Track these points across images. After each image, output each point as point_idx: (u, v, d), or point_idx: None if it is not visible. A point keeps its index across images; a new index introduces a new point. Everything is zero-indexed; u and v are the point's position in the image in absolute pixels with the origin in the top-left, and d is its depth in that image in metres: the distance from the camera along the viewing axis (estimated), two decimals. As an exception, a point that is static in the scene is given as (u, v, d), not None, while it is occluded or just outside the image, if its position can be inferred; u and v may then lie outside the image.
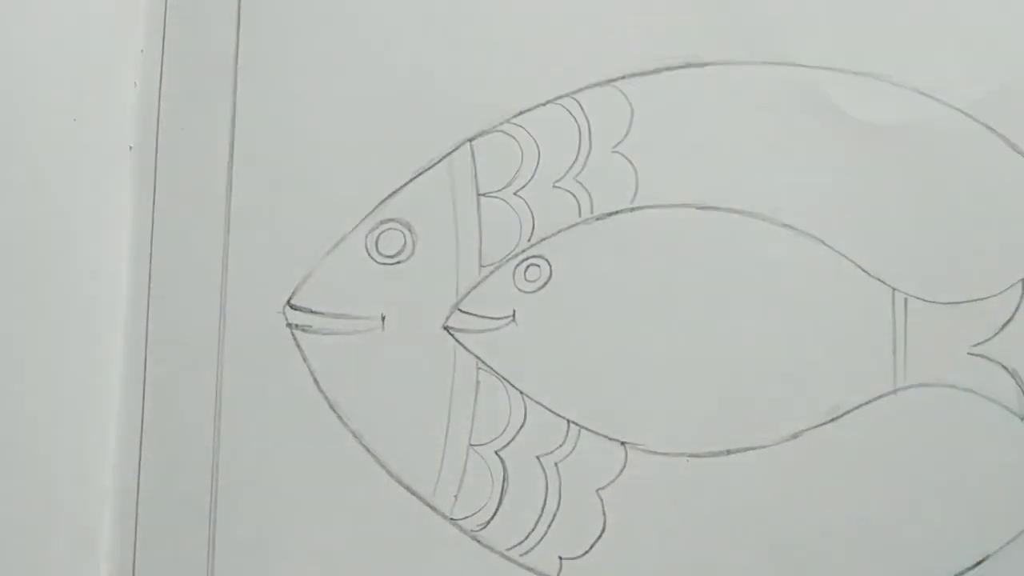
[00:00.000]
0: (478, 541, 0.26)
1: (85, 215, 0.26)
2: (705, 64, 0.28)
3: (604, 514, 0.26)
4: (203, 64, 0.27)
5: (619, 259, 0.27)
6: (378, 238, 0.27)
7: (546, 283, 0.27)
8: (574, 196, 0.27)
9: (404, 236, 0.27)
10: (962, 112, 0.27)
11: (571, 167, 0.27)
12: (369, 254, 0.27)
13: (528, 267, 0.27)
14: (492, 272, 0.27)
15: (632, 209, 0.27)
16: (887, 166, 0.27)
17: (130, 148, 0.27)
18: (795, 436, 0.26)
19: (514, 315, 0.27)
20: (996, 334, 0.26)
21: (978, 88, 0.27)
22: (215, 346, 0.26)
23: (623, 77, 0.28)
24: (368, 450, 0.26)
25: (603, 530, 0.26)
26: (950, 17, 0.28)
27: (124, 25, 0.27)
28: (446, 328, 0.27)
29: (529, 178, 0.27)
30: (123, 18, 0.27)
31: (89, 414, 0.26)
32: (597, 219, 0.27)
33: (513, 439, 0.26)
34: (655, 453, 0.26)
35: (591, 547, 0.26)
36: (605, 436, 0.26)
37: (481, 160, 0.27)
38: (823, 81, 0.28)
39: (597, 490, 0.26)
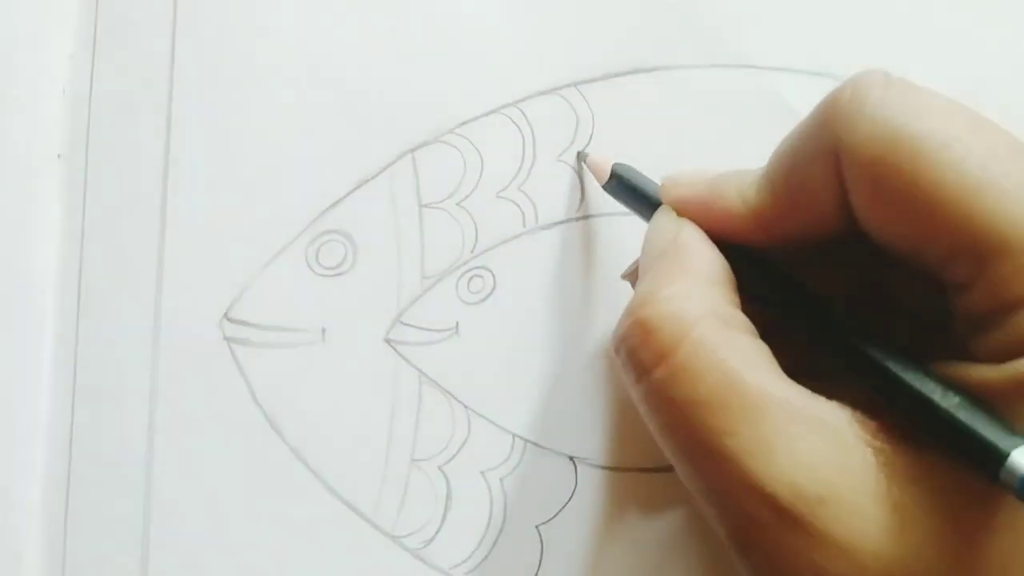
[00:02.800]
0: (421, 559, 0.25)
1: (10, 226, 0.25)
2: (653, 69, 0.27)
3: (552, 530, 0.26)
4: (136, 70, 0.26)
5: (564, 269, 0.27)
6: (318, 249, 0.26)
7: (490, 294, 0.26)
8: (518, 206, 0.27)
9: (345, 247, 0.26)
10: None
11: (515, 177, 0.27)
12: (309, 266, 0.26)
13: (471, 278, 0.26)
14: (435, 284, 0.26)
15: (578, 219, 0.27)
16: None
17: (58, 156, 0.26)
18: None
19: (457, 327, 0.26)
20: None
21: (943, 90, 0.27)
22: (149, 361, 0.25)
23: (568, 85, 0.27)
24: (307, 466, 0.26)
25: (551, 547, 0.26)
26: (913, 16, 0.28)
27: (52, 28, 0.26)
28: (388, 341, 0.26)
29: (472, 188, 0.27)
30: (51, 21, 0.26)
31: (16, 429, 0.25)
32: (542, 229, 0.27)
33: (456, 454, 0.26)
34: (604, 468, 0.26)
35: (539, 564, 0.26)
36: (552, 450, 0.26)
37: (423, 170, 0.27)
38: (779, 83, 0.28)
39: (543, 506, 0.26)
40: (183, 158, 0.26)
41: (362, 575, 0.25)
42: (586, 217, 0.27)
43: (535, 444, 0.26)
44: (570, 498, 0.26)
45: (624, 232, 0.27)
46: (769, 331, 0.21)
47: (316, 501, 0.25)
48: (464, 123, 0.27)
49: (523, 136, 0.27)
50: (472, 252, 0.26)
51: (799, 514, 0.18)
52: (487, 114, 0.27)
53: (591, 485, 0.26)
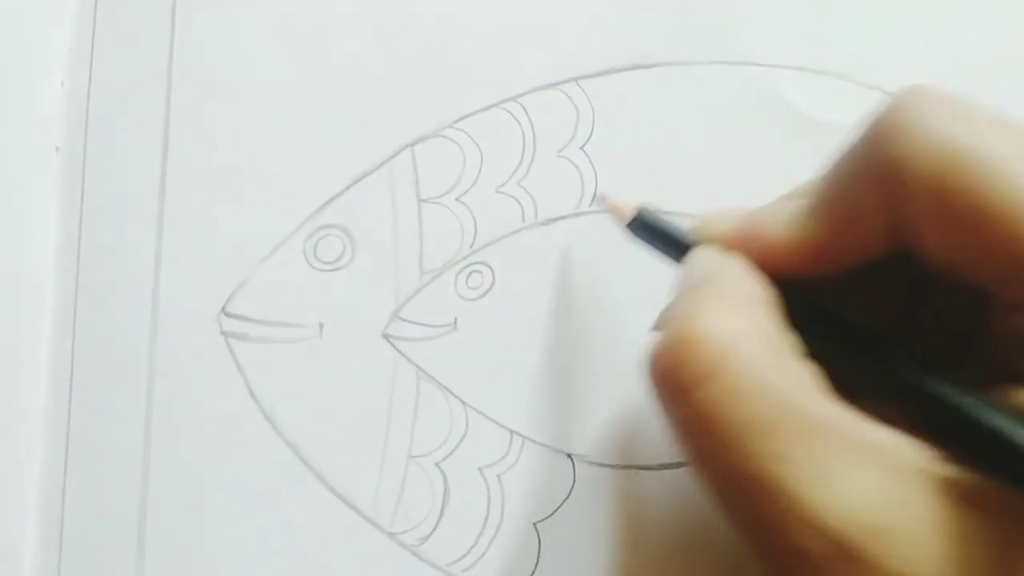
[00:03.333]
0: (417, 556, 0.25)
1: (9, 219, 0.25)
2: (655, 65, 0.27)
3: (550, 527, 0.26)
4: (135, 64, 0.26)
5: (564, 265, 0.26)
6: (316, 244, 0.26)
7: (488, 290, 0.26)
8: (518, 201, 0.27)
9: (343, 242, 0.26)
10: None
11: (515, 172, 0.27)
12: (307, 260, 0.26)
13: (470, 274, 0.26)
14: (433, 279, 0.26)
15: (577, 214, 0.27)
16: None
17: (57, 149, 0.26)
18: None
19: (455, 323, 0.26)
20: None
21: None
22: (146, 355, 0.25)
23: (569, 80, 0.27)
24: (304, 461, 0.25)
25: (548, 544, 0.26)
26: (911, 16, 0.28)
27: (51, 22, 0.26)
28: (386, 336, 0.26)
29: (472, 183, 0.27)
30: (50, 15, 0.26)
31: (12, 424, 0.25)
32: (541, 224, 0.27)
33: (454, 450, 0.26)
34: (603, 465, 0.26)
35: (536, 562, 0.26)
36: (550, 447, 0.26)
37: (423, 165, 0.26)
38: (780, 80, 0.28)
39: (541, 503, 0.26)
40: (181, 152, 0.26)
41: (359, 571, 0.25)
42: (585, 213, 0.27)
43: (533, 441, 0.26)
44: (568, 495, 0.26)
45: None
46: (812, 357, 0.20)
47: (313, 497, 0.25)
48: (464, 117, 0.27)
49: (523, 131, 0.27)
50: (471, 247, 0.26)
51: (857, 547, 0.17)
52: (487, 108, 0.27)
53: (589, 482, 0.26)
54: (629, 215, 0.24)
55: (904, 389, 0.20)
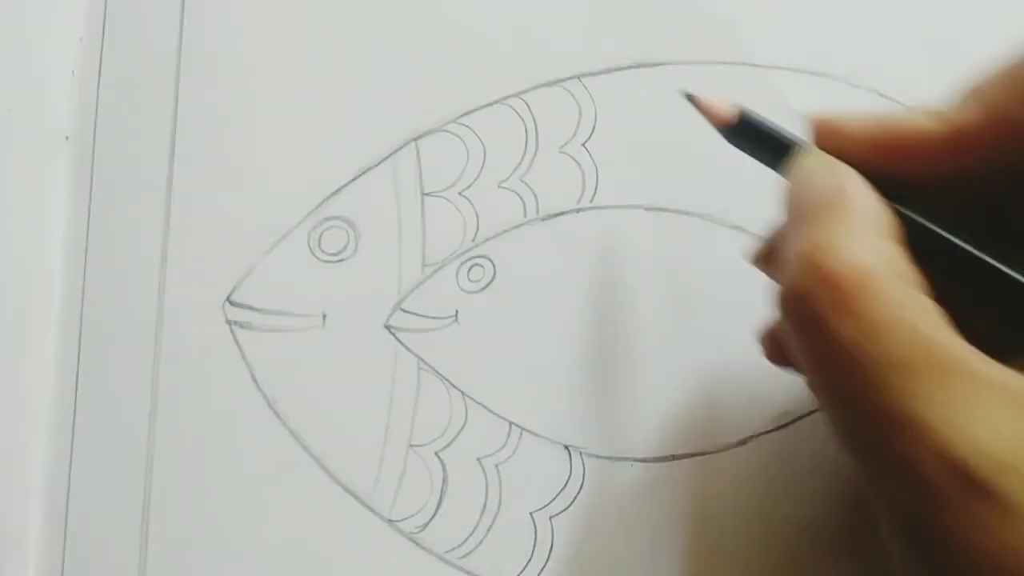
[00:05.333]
0: (416, 543, 0.26)
1: (19, 207, 0.25)
2: (656, 64, 0.28)
3: (547, 517, 0.26)
4: (145, 54, 0.27)
5: (564, 260, 0.27)
6: (321, 235, 0.26)
7: (489, 283, 0.27)
8: (519, 196, 0.27)
9: (347, 234, 0.26)
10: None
11: (517, 167, 0.27)
12: (311, 251, 0.26)
13: (472, 267, 0.27)
14: (435, 272, 0.27)
15: (578, 210, 0.27)
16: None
17: (67, 138, 0.26)
18: (743, 442, 0.26)
19: (457, 315, 0.26)
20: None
21: (939, 90, 0.27)
22: (151, 342, 0.26)
23: (572, 77, 0.27)
24: (306, 449, 0.26)
25: (545, 534, 0.26)
26: (911, 18, 0.28)
27: (63, 12, 0.26)
28: (388, 327, 0.26)
29: (474, 178, 0.27)
30: (61, 4, 0.26)
31: (19, 409, 0.25)
32: (542, 220, 0.27)
33: (453, 440, 0.26)
34: (599, 457, 0.26)
35: (533, 551, 0.26)
36: (548, 439, 0.26)
37: (426, 159, 0.27)
38: (779, 81, 0.28)
39: (539, 493, 0.26)
40: (189, 142, 0.26)
41: (358, 558, 0.26)
42: (586, 209, 0.27)
43: (531, 432, 0.26)
44: (565, 486, 0.26)
45: (623, 225, 0.27)
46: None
47: (314, 484, 0.26)
48: (468, 113, 0.27)
49: (526, 127, 0.27)
50: (473, 241, 0.27)
51: (991, 485, 0.17)
52: (491, 104, 0.27)
53: (586, 474, 0.26)
54: (728, 116, 0.22)
55: None
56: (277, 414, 0.26)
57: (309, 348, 0.26)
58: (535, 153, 0.27)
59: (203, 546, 0.25)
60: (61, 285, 0.26)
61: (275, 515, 0.26)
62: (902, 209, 0.20)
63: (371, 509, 0.26)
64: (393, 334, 0.26)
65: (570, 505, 0.26)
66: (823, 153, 0.21)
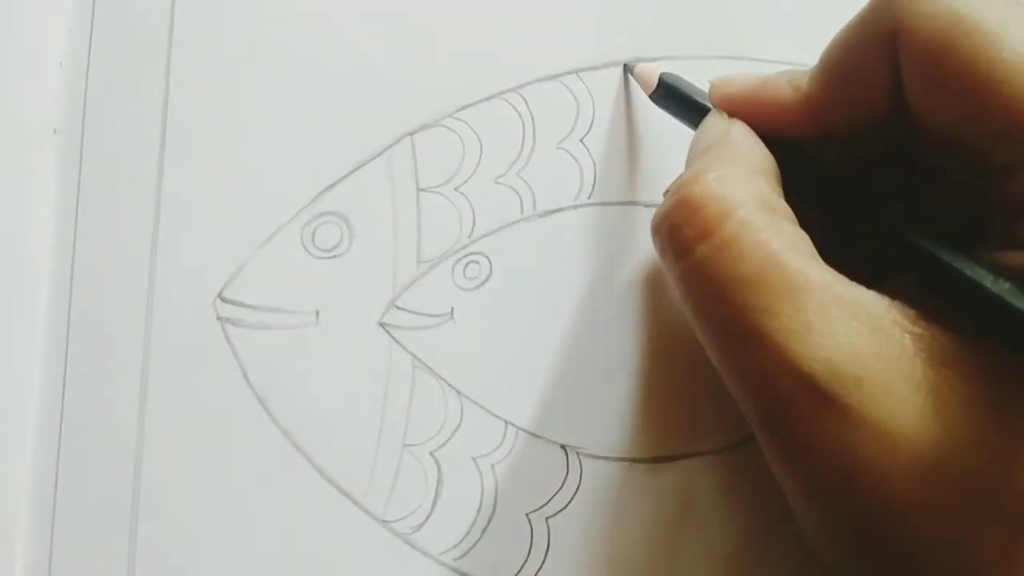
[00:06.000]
0: (410, 544, 0.25)
1: (5, 200, 0.25)
2: (655, 59, 0.27)
3: (543, 518, 0.26)
4: (135, 45, 0.26)
5: (561, 257, 0.26)
6: (314, 231, 0.26)
7: (486, 281, 0.26)
8: (516, 192, 0.27)
9: (341, 230, 0.26)
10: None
11: (514, 163, 0.27)
12: (305, 247, 0.26)
13: (468, 264, 0.26)
14: (430, 268, 0.26)
15: (576, 207, 0.27)
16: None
17: (54, 131, 0.26)
18: (741, 443, 0.26)
19: (452, 313, 0.26)
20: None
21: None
22: (141, 338, 0.25)
23: (569, 72, 0.27)
24: (298, 448, 0.25)
25: (541, 535, 0.26)
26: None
27: (50, 2, 0.26)
28: (382, 325, 0.26)
29: (471, 174, 0.26)
30: (50, -5, 0.26)
31: (6, 405, 0.25)
32: (540, 216, 0.27)
33: (449, 440, 0.26)
34: (596, 457, 0.26)
35: (529, 552, 0.26)
36: (544, 439, 0.26)
37: (422, 154, 0.26)
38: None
39: (534, 494, 0.26)
40: (180, 135, 0.26)
41: (351, 559, 0.25)
42: (584, 205, 0.27)
43: (527, 432, 0.26)
44: (561, 486, 0.26)
45: (622, 221, 0.27)
46: (809, 227, 0.21)
47: (307, 484, 0.25)
48: (464, 107, 0.27)
49: (523, 122, 0.27)
50: (469, 237, 0.26)
51: (834, 394, 0.18)
52: (487, 99, 0.27)
53: (582, 474, 0.26)
54: (654, 82, 0.25)
55: (895, 247, 0.21)
56: (269, 412, 0.25)
57: (302, 345, 0.26)
58: (532, 149, 0.27)
59: (193, 546, 0.25)
60: (49, 280, 0.25)
61: (266, 515, 0.25)
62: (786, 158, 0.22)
63: (365, 509, 0.25)
64: (388, 331, 0.26)
65: (567, 506, 0.26)
66: (721, 112, 0.23)
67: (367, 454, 0.26)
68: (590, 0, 0.27)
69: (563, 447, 0.26)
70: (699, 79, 0.27)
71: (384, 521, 0.25)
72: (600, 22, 0.27)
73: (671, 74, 0.25)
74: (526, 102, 0.27)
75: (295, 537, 0.25)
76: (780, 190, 0.22)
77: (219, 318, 0.26)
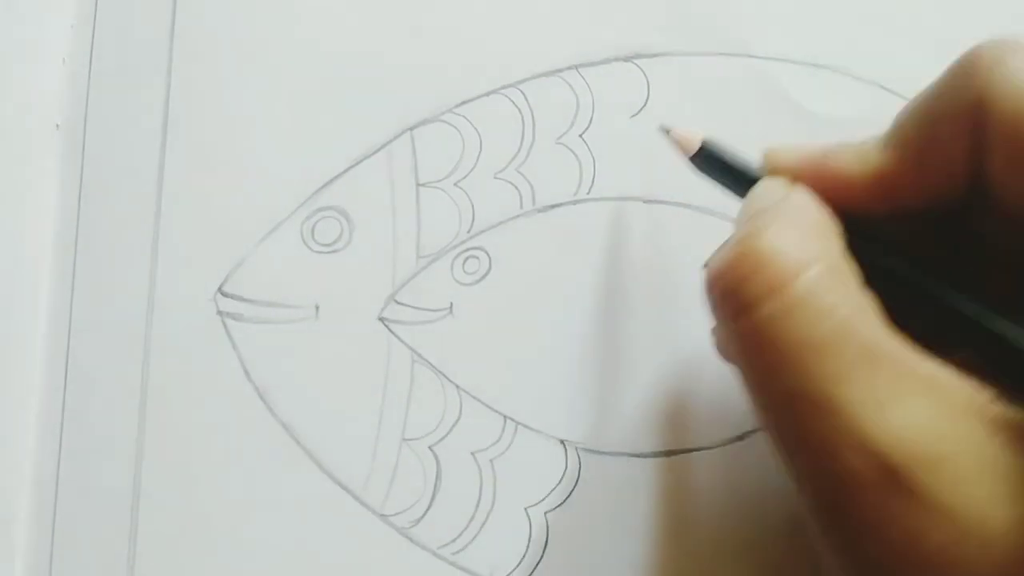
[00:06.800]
0: (408, 538, 0.25)
1: (8, 196, 0.25)
2: (655, 55, 0.27)
3: (542, 513, 0.26)
4: (137, 41, 0.26)
5: (561, 252, 0.26)
6: (314, 226, 0.26)
7: (485, 275, 0.26)
8: (516, 187, 0.27)
9: (341, 224, 0.26)
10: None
11: (513, 158, 0.27)
12: (304, 242, 0.26)
13: (467, 259, 0.26)
14: (430, 263, 0.26)
15: (575, 202, 0.27)
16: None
17: (57, 126, 0.26)
18: (740, 437, 0.26)
19: (451, 307, 0.26)
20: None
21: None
22: (142, 333, 0.25)
23: (569, 67, 0.27)
24: (298, 442, 0.26)
25: (539, 529, 0.26)
26: (913, 10, 0.28)
27: (53, -1, 0.26)
28: (381, 319, 0.26)
29: (470, 169, 0.27)
30: (52, -8, 0.26)
31: (8, 400, 0.25)
32: (539, 211, 0.27)
33: (448, 434, 0.26)
34: (595, 452, 0.26)
35: (527, 546, 0.26)
36: (543, 433, 0.26)
37: (421, 149, 0.26)
38: (779, 73, 0.28)
39: (533, 488, 0.26)
40: (181, 131, 0.26)
41: (350, 552, 0.25)
42: (583, 200, 0.27)
43: (526, 427, 0.26)
44: (560, 481, 0.26)
45: (621, 217, 0.27)
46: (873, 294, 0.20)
47: (306, 477, 0.25)
48: (464, 103, 0.27)
49: (523, 117, 0.27)
50: (468, 233, 0.26)
51: (907, 475, 0.17)
52: (487, 94, 0.27)
53: (581, 469, 0.26)
54: (694, 147, 0.24)
55: (963, 324, 0.20)
56: (269, 406, 0.26)
57: (301, 340, 0.26)
58: (532, 144, 0.27)
59: (193, 539, 0.25)
60: (51, 275, 0.26)
61: (266, 508, 0.25)
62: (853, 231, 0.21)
63: (363, 503, 0.25)
64: (387, 326, 0.26)
65: (565, 500, 0.26)
66: (777, 178, 0.22)
67: (366, 448, 0.26)
68: (589, -5, 0.27)
69: (562, 442, 0.26)
70: (698, 76, 0.27)
71: (383, 515, 0.26)
72: (599, 17, 0.27)
73: (713, 140, 0.24)
74: (525, 97, 0.27)
75: (294, 530, 0.25)
76: (845, 252, 0.20)
77: (219, 312, 0.26)
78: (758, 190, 0.22)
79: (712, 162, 0.24)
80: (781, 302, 0.18)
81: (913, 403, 0.18)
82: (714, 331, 0.24)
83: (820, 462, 0.18)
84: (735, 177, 0.23)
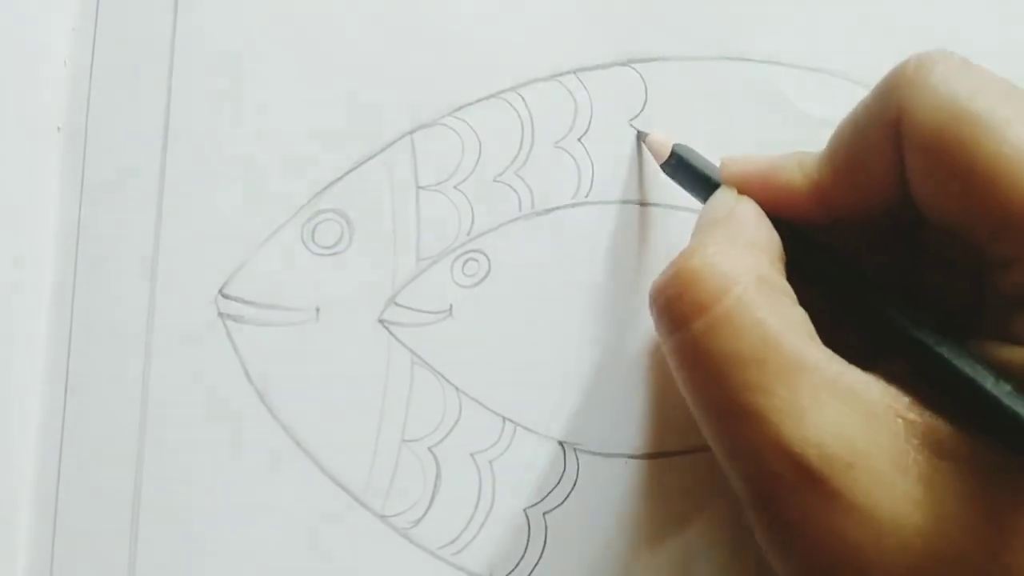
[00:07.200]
0: (408, 539, 0.26)
1: (9, 198, 0.25)
2: (653, 59, 0.27)
3: (541, 514, 0.26)
4: (138, 44, 0.26)
5: (559, 255, 0.27)
6: (314, 228, 0.26)
7: (484, 278, 0.27)
8: (515, 191, 0.27)
9: (341, 227, 0.26)
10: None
11: (512, 162, 0.27)
12: (305, 244, 0.26)
13: (466, 261, 0.27)
14: (430, 266, 0.26)
15: (574, 205, 0.27)
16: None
17: (58, 129, 0.26)
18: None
19: (451, 309, 0.26)
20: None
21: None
22: (143, 334, 0.26)
23: (568, 72, 0.27)
24: (298, 444, 0.26)
25: (538, 530, 0.26)
26: (909, 13, 0.28)
27: (54, 1, 0.26)
28: (381, 321, 0.26)
29: (470, 172, 0.27)
30: (54, -6, 0.26)
31: (9, 402, 0.25)
32: (537, 214, 0.27)
33: (447, 436, 0.26)
34: (594, 453, 0.26)
35: (527, 547, 0.26)
36: (542, 435, 0.26)
37: (421, 153, 0.27)
38: (776, 76, 0.28)
39: (532, 489, 0.26)
40: (182, 133, 0.26)
41: (349, 553, 0.25)
42: (582, 204, 0.27)
43: (526, 428, 0.26)
44: (559, 482, 0.26)
45: (620, 220, 0.27)
46: (808, 306, 0.21)
47: (306, 479, 0.25)
48: (463, 107, 0.27)
49: (522, 121, 0.27)
50: (468, 235, 0.27)
51: (825, 477, 0.18)
52: (486, 98, 0.27)
53: (580, 470, 0.26)
54: (666, 152, 0.25)
55: (893, 333, 0.21)
56: (269, 408, 0.26)
57: (302, 342, 0.26)
58: (531, 147, 0.27)
59: (193, 540, 0.25)
60: (51, 277, 0.26)
61: (266, 509, 0.25)
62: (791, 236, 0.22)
63: (363, 504, 0.26)
64: (387, 328, 0.26)
65: (564, 501, 0.26)
66: (730, 188, 0.23)
67: (366, 450, 0.26)
68: (588, 1, 0.28)
69: (561, 443, 0.26)
70: (696, 80, 0.27)
71: (382, 516, 0.26)
72: (598, 22, 0.27)
73: (684, 146, 0.25)
74: (525, 101, 0.27)
75: (294, 531, 0.25)
76: (782, 268, 0.22)
77: (220, 314, 0.26)
78: (712, 201, 0.23)
79: (681, 168, 0.25)
80: (709, 318, 0.20)
81: (831, 410, 0.19)
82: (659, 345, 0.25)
83: (748, 467, 0.20)
84: (701, 184, 0.24)
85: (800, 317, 0.20)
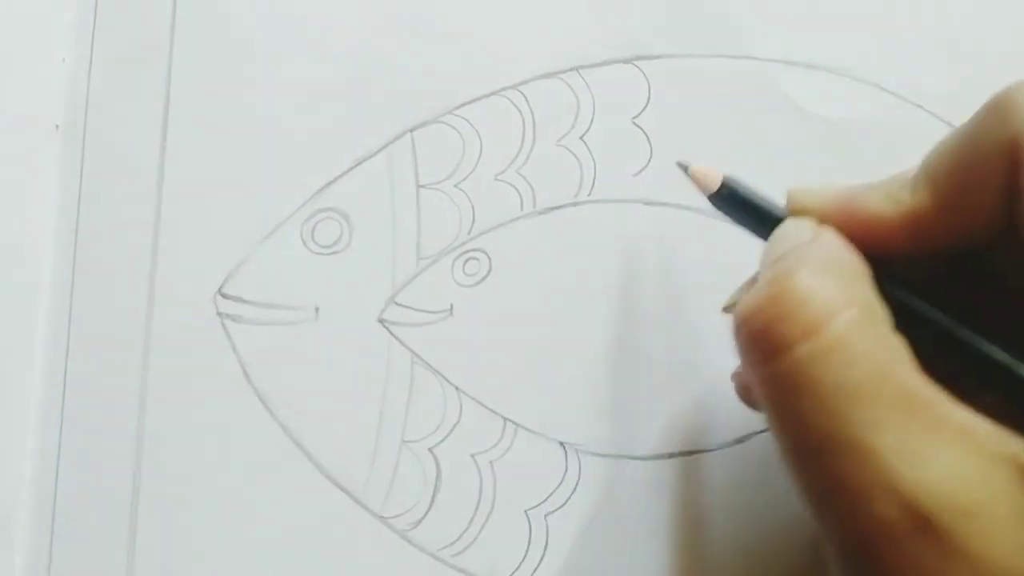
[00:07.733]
0: (408, 540, 0.25)
1: (7, 196, 0.25)
2: (656, 57, 0.27)
3: (542, 515, 0.26)
4: (137, 41, 0.26)
5: (561, 254, 0.26)
6: (314, 227, 0.26)
7: (485, 277, 0.26)
8: (516, 189, 0.27)
9: (341, 226, 0.26)
10: (923, 109, 0.27)
11: (514, 160, 0.27)
12: (304, 243, 0.26)
13: (467, 261, 0.26)
14: (430, 265, 0.26)
15: (576, 204, 0.27)
16: (843, 161, 0.27)
17: (56, 126, 0.26)
18: (741, 440, 0.26)
19: (451, 309, 0.26)
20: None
21: (940, 85, 0.27)
22: (142, 334, 0.25)
23: (570, 69, 0.27)
24: (297, 444, 0.25)
25: (539, 532, 0.26)
26: (911, 11, 0.28)
27: (53, -1, 0.26)
28: (381, 321, 0.26)
29: (470, 170, 0.27)
30: (52, -9, 0.26)
31: (8, 401, 0.25)
32: (539, 213, 0.27)
33: (447, 436, 0.26)
34: (596, 455, 0.26)
35: (527, 548, 0.26)
36: (543, 436, 0.26)
37: (422, 151, 0.27)
38: (778, 74, 0.28)
39: (533, 490, 0.26)
40: (181, 131, 0.26)
41: (350, 555, 0.25)
42: (584, 202, 0.27)
43: (527, 429, 0.26)
44: (560, 483, 0.26)
45: (622, 218, 0.27)
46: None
47: (305, 479, 0.25)
48: (464, 104, 0.27)
49: (523, 119, 0.27)
50: (468, 234, 0.26)
51: (940, 525, 0.17)
52: (488, 96, 0.27)
53: (582, 471, 0.26)
54: (714, 185, 0.23)
55: (993, 370, 0.19)
56: (268, 408, 0.26)
57: (301, 341, 0.26)
58: (532, 146, 0.27)
59: (192, 539, 0.25)
60: (50, 275, 0.26)
61: (265, 510, 0.25)
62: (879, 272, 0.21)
63: (363, 505, 0.25)
64: (387, 328, 0.26)
65: (565, 503, 0.26)
66: (803, 218, 0.22)
67: (366, 450, 0.26)
68: (590, -3, 0.28)
69: (562, 444, 0.26)
70: (698, 77, 0.27)
71: (382, 517, 0.26)
72: (601, 19, 0.27)
73: (734, 178, 0.23)
74: (526, 99, 0.27)
75: (293, 532, 0.25)
76: (878, 297, 0.20)
77: (219, 314, 0.26)
78: (784, 231, 0.22)
79: (733, 201, 0.23)
80: (816, 345, 0.18)
81: (948, 452, 0.17)
82: (737, 374, 0.24)
83: (852, 509, 0.18)
84: (757, 216, 0.23)
85: (905, 349, 0.19)
